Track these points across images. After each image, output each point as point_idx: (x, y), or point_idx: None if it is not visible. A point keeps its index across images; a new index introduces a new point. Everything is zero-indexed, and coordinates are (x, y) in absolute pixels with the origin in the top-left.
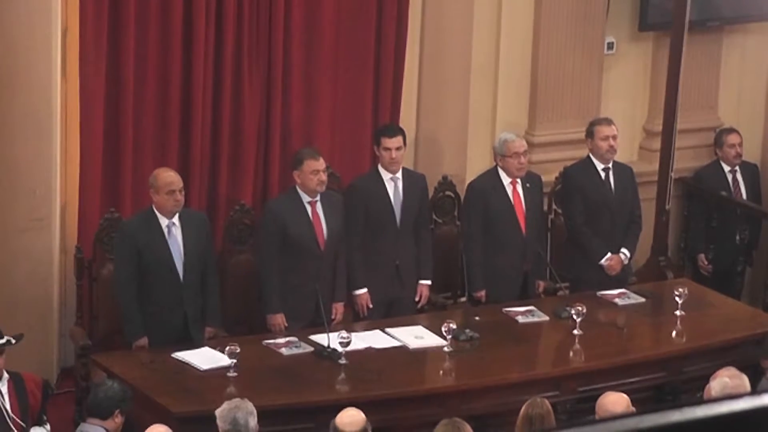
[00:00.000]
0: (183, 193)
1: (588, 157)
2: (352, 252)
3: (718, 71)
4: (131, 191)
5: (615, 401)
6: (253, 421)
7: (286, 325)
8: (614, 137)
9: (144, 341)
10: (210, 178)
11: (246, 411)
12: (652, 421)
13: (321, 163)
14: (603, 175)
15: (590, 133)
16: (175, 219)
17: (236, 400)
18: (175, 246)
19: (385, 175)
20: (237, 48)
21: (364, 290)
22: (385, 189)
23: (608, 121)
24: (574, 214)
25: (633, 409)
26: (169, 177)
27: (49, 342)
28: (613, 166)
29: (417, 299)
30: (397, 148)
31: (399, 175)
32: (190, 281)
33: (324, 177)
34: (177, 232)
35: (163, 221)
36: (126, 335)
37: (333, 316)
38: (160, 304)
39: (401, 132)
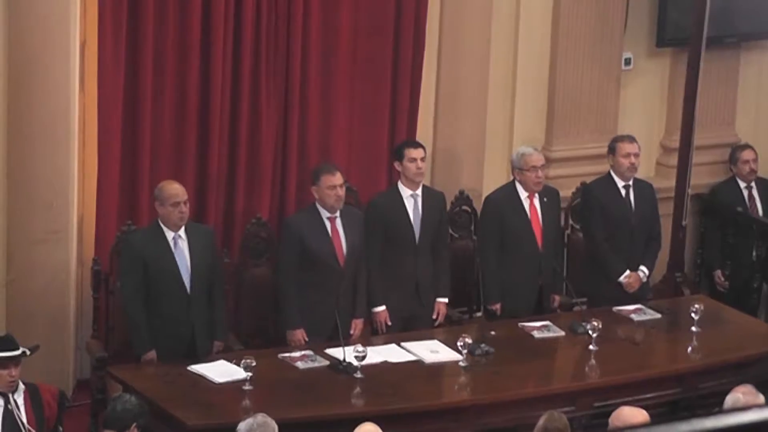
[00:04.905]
0: (188, 205)
1: (609, 173)
2: (371, 269)
3: (735, 87)
4: (148, 204)
5: (632, 415)
6: None
7: (307, 340)
8: (636, 155)
9: (152, 355)
10: (227, 191)
11: None
12: None
13: (338, 178)
14: (623, 192)
15: (612, 149)
16: (181, 232)
17: (259, 418)
18: (182, 258)
19: (405, 192)
20: (255, 63)
21: (383, 308)
22: (405, 206)
23: (631, 139)
24: (594, 230)
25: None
26: (173, 189)
27: (66, 354)
28: (633, 183)
29: (434, 317)
30: (422, 159)
31: (419, 192)
32: (197, 294)
33: (341, 192)
34: (183, 245)
35: (169, 234)
36: (134, 348)
37: (351, 332)
38: (167, 317)
39: (422, 145)
